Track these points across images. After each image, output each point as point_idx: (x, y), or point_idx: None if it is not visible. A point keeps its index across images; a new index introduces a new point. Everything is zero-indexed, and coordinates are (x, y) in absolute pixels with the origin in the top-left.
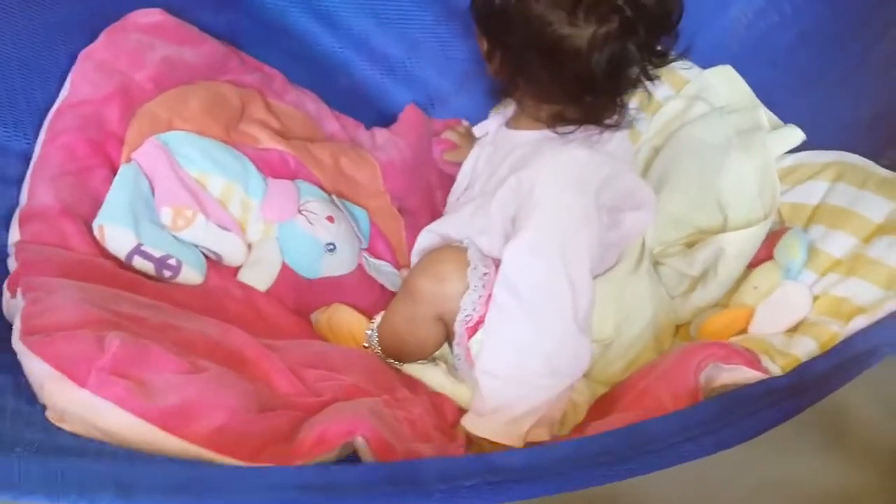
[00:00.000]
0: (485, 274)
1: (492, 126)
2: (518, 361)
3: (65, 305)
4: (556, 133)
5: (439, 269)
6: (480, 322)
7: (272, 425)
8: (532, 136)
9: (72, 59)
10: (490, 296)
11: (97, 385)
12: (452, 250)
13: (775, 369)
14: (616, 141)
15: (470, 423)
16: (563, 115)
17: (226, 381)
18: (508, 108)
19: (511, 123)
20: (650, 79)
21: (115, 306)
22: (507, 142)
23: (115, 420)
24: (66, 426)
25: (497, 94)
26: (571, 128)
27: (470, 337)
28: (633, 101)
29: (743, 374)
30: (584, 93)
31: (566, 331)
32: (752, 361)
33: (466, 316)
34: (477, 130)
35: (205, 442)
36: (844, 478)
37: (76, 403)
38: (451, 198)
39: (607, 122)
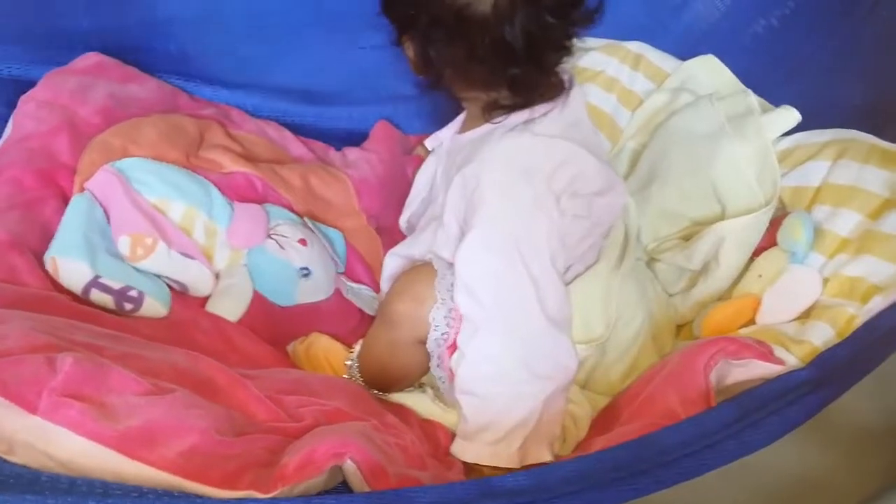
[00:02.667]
0: (452, 284)
1: (445, 135)
2: (495, 372)
3: (12, 333)
4: (495, 124)
5: (415, 290)
6: None
7: (249, 449)
8: (476, 134)
9: (10, 106)
10: None
11: (48, 409)
12: (426, 269)
13: (791, 359)
14: (563, 124)
15: (458, 450)
16: (498, 102)
17: (195, 402)
18: (461, 117)
19: (460, 129)
20: (572, 38)
21: (68, 335)
22: (457, 147)
23: (70, 446)
24: (14, 458)
25: (425, 91)
26: (504, 115)
27: (451, 356)
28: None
29: (756, 369)
30: (506, 65)
31: (537, 328)
32: (765, 354)
33: (443, 334)
34: (429, 142)
35: (171, 467)
36: (811, 459)
37: (25, 431)
38: (405, 213)
39: (544, 97)
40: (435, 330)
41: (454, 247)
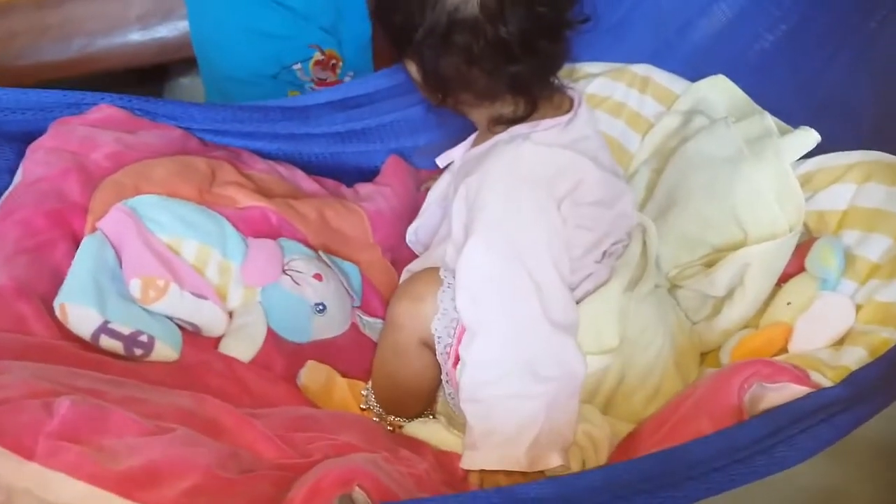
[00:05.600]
0: None
1: (456, 154)
2: (496, 376)
3: (12, 383)
4: (498, 134)
5: (415, 289)
6: None
7: (255, 486)
8: (482, 148)
9: (19, 155)
10: None
11: (46, 454)
12: (429, 271)
13: (827, 384)
14: (567, 139)
15: (467, 461)
16: (502, 116)
17: (196, 440)
18: (472, 136)
19: (471, 147)
20: (566, 26)
21: (70, 381)
22: (467, 163)
23: (69, 492)
24: None
25: (434, 110)
26: (507, 128)
27: (455, 370)
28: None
29: (791, 392)
30: (504, 63)
31: (540, 331)
32: (801, 378)
33: (446, 346)
34: (440, 160)
35: None
36: (827, 472)
37: (23, 479)
38: (413, 225)
39: (549, 112)
40: (439, 342)
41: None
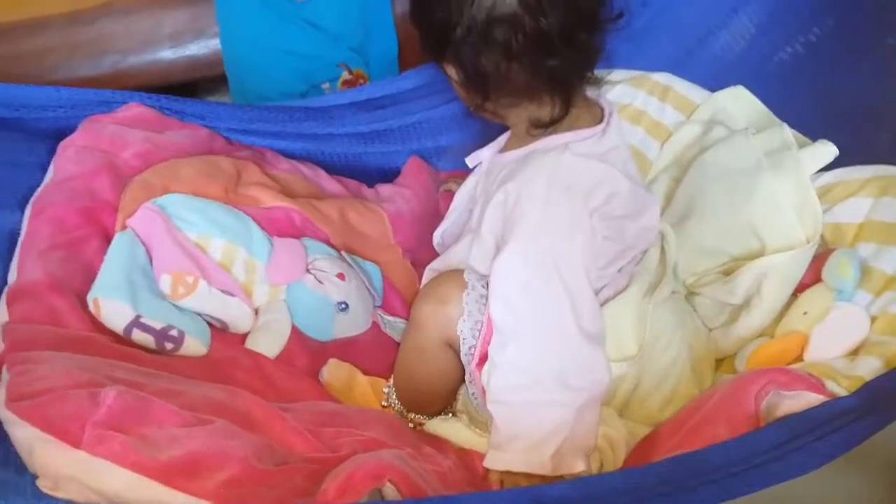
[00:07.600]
0: (482, 296)
1: (485, 155)
2: (527, 382)
3: (54, 372)
4: (537, 140)
5: (440, 291)
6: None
7: (289, 478)
8: (518, 153)
9: (51, 152)
10: (490, 323)
11: (92, 443)
12: (453, 273)
13: (842, 392)
14: (602, 149)
15: (490, 461)
16: (540, 119)
17: (235, 432)
18: (502, 138)
19: (502, 149)
20: (602, 17)
21: (109, 372)
22: (497, 166)
23: (114, 479)
24: (60, 494)
25: (471, 115)
26: (545, 132)
27: (480, 371)
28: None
29: (807, 400)
30: (544, 57)
31: (571, 340)
32: (816, 386)
33: (470, 348)
34: (470, 160)
35: (214, 497)
36: (856, 493)
37: (70, 466)
38: (439, 229)
39: (584, 122)
40: (463, 343)
41: (489, 261)
